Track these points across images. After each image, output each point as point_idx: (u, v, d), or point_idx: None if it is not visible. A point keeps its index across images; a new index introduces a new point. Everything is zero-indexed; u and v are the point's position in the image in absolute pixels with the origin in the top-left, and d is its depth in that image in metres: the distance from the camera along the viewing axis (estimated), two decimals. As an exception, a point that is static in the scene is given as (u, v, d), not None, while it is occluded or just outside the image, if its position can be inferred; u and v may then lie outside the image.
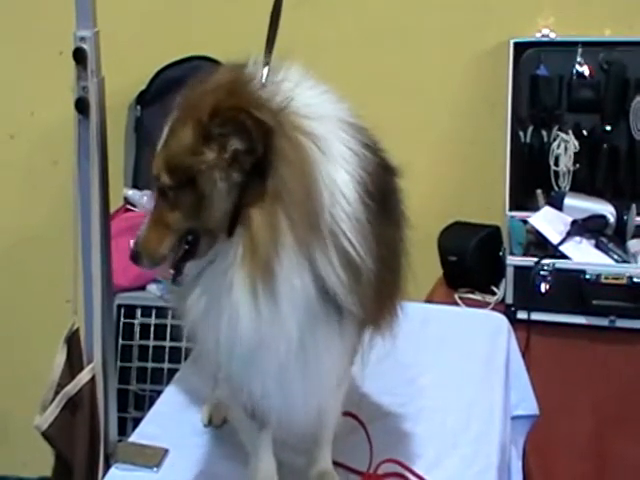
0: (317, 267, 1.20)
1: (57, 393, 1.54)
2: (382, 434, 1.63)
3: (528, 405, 2.06)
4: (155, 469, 1.54)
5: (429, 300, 2.56)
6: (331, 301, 1.23)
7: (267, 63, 1.27)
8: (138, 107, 2.90)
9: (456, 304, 2.50)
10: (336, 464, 1.54)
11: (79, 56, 1.54)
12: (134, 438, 1.63)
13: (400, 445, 1.63)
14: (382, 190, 1.28)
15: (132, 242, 1.26)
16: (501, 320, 2.13)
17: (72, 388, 1.54)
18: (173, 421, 1.70)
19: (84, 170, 1.56)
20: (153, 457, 1.54)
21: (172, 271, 1.26)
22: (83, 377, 1.55)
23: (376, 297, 1.29)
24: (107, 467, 1.56)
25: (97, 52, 1.57)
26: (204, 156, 1.18)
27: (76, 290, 1.59)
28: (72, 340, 1.59)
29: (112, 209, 2.71)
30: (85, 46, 1.54)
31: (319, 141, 1.21)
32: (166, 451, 1.58)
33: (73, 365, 1.57)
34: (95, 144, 1.56)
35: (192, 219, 1.22)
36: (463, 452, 1.62)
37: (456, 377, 1.85)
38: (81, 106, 1.55)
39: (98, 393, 1.55)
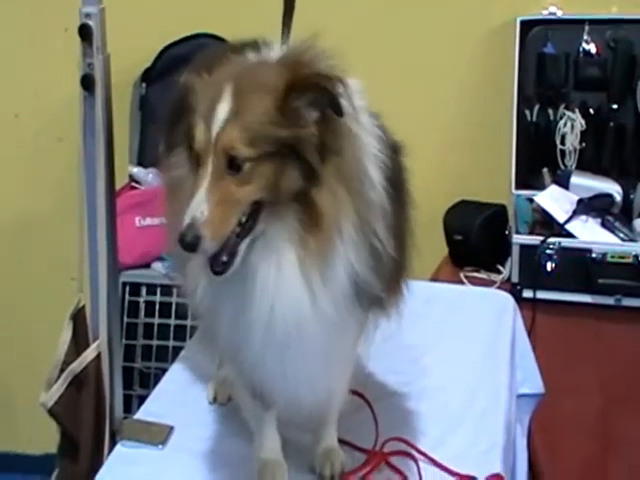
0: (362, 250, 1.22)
1: (62, 370, 1.54)
2: (387, 413, 1.64)
3: (534, 384, 2.06)
4: (160, 446, 1.55)
5: (434, 279, 2.56)
6: (355, 285, 1.24)
7: (284, 43, 1.30)
8: (143, 85, 2.89)
9: (461, 283, 2.50)
10: (342, 442, 1.54)
11: (84, 32, 1.54)
12: (139, 415, 1.64)
13: (405, 423, 1.63)
14: (395, 173, 1.30)
15: (184, 227, 1.13)
16: (507, 299, 2.13)
17: (78, 365, 1.54)
18: (178, 399, 1.70)
19: (89, 147, 1.56)
20: (159, 434, 1.55)
21: (225, 258, 1.18)
22: (89, 354, 1.56)
23: (388, 278, 1.30)
24: (113, 444, 1.57)
25: (102, 29, 1.56)
26: (289, 128, 1.17)
27: (81, 267, 1.59)
28: (78, 317, 1.59)
29: (117, 186, 2.74)
30: (90, 22, 1.54)
31: (360, 126, 1.23)
32: (171, 428, 1.58)
33: (79, 342, 1.58)
34: (101, 121, 1.56)
35: (265, 191, 1.18)
36: (468, 430, 1.63)
37: (461, 356, 1.85)
38: (87, 83, 1.55)
39: (104, 370, 1.56)
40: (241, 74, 1.22)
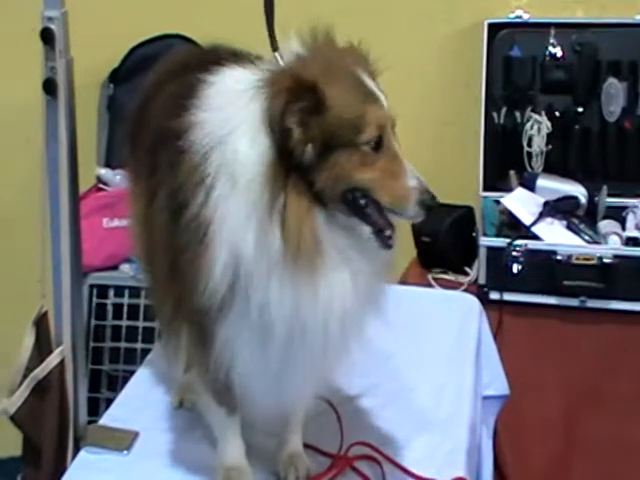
0: None
1: (25, 376, 1.52)
2: (353, 416, 1.64)
3: (499, 385, 2.08)
4: (125, 452, 1.54)
5: (403, 280, 2.57)
6: None
7: (276, 48, 1.31)
8: (111, 85, 2.88)
9: (430, 285, 2.51)
10: (307, 446, 1.55)
11: (47, 36, 1.52)
12: (104, 421, 1.63)
13: (371, 427, 1.64)
14: None
15: (423, 189, 1.24)
16: (473, 301, 2.14)
17: (41, 371, 1.53)
18: (144, 404, 1.70)
19: (52, 152, 1.55)
20: (123, 440, 1.54)
21: (389, 232, 1.27)
22: (52, 360, 1.54)
23: None
24: (76, 450, 1.56)
25: (65, 32, 1.55)
26: None
27: (44, 272, 1.57)
28: (41, 323, 1.58)
29: (84, 188, 2.72)
30: (53, 26, 1.52)
31: None
32: (136, 434, 1.58)
33: (42, 348, 1.56)
34: (64, 125, 1.55)
35: None
36: (433, 433, 1.64)
37: (427, 359, 1.86)
38: (49, 87, 1.53)
39: (67, 376, 1.54)
40: (346, 62, 1.27)
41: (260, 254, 1.21)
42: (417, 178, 1.25)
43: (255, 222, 1.21)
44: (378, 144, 1.25)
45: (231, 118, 1.24)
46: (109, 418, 1.64)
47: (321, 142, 1.21)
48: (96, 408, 2.47)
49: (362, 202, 1.26)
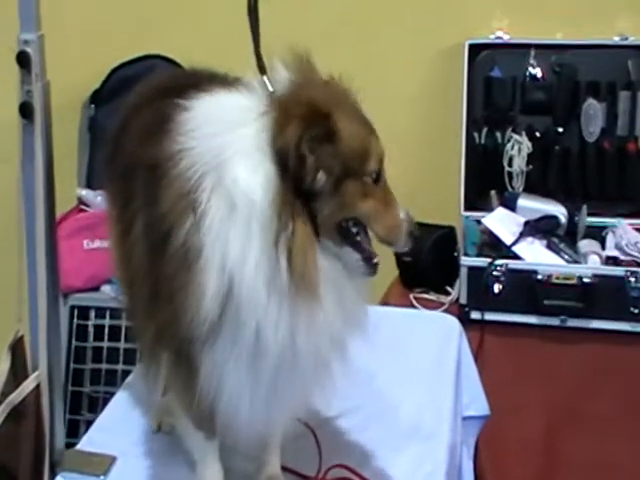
0: None
1: (0, 402, 1.51)
2: (331, 438, 1.64)
3: (479, 406, 2.08)
4: (102, 477, 1.53)
5: (385, 300, 2.57)
6: None
7: (264, 71, 1.29)
8: (92, 106, 2.88)
9: (411, 304, 2.51)
10: (285, 469, 1.54)
11: (23, 60, 1.51)
12: (82, 445, 1.62)
13: (349, 449, 1.64)
14: None
15: (409, 225, 1.31)
16: (453, 322, 2.14)
17: (16, 396, 1.51)
18: (122, 427, 1.69)
19: (28, 176, 1.54)
20: (100, 465, 1.53)
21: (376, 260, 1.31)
22: (28, 385, 1.52)
23: None
24: (53, 476, 1.55)
25: (41, 56, 1.54)
26: None
27: (20, 296, 1.56)
28: (16, 348, 1.56)
29: (66, 209, 2.72)
30: (29, 49, 1.51)
31: None
32: (114, 459, 1.57)
33: (17, 373, 1.55)
34: (40, 149, 1.53)
35: None
36: (412, 454, 1.63)
37: (407, 380, 1.86)
38: (25, 111, 1.52)
39: (43, 401, 1.53)
40: (340, 90, 1.30)
41: (261, 281, 1.20)
42: (405, 210, 1.32)
43: (258, 249, 1.19)
44: (378, 175, 1.28)
45: (227, 145, 1.22)
46: (87, 442, 1.63)
47: (333, 171, 1.22)
48: (76, 430, 2.46)
49: (354, 230, 1.28)
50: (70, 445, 1.66)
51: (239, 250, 1.20)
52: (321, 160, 1.21)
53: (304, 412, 1.49)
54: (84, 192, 2.76)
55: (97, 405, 2.58)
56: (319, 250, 1.24)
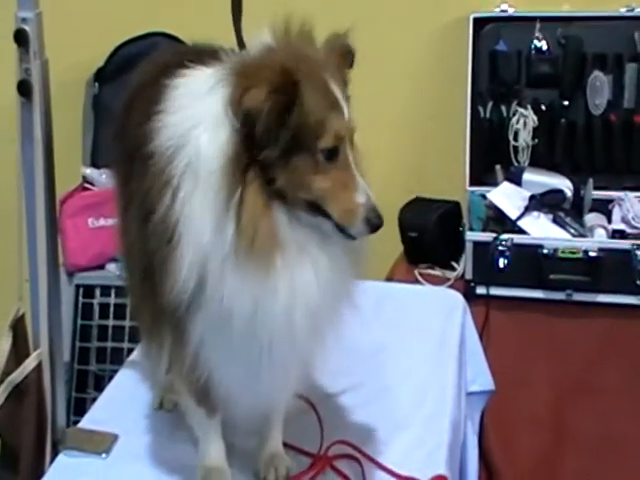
0: None
1: (2, 381, 1.51)
2: (334, 415, 1.64)
3: (483, 381, 2.07)
4: (104, 455, 1.54)
5: (390, 276, 2.57)
6: None
7: (243, 46, 1.30)
8: (96, 84, 2.87)
9: (416, 280, 2.50)
10: (287, 446, 1.54)
11: (20, 38, 1.51)
12: (84, 423, 1.62)
13: (351, 426, 1.64)
14: None
15: (370, 209, 1.23)
16: (456, 297, 2.13)
17: (18, 375, 1.52)
18: (124, 405, 1.69)
19: (28, 155, 1.54)
20: (102, 443, 1.54)
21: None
22: (29, 364, 1.53)
23: None
24: (55, 454, 1.55)
25: (40, 33, 1.53)
26: None
27: (21, 275, 1.57)
28: (18, 326, 1.57)
29: (70, 188, 2.72)
30: (26, 27, 1.51)
31: None
32: (115, 437, 1.57)
33: (19, 352, 1.55)
34: (39, 127, 1.53)
35: None
36: (414, 431, 1.63)
37: (410, 356, 1.86)
38: (23, 89, 1.52)
39: (45, 379, 1.54)
40: (317, 61, 1.26)
41: (216, 249, 1.20)
42: (367, 195, 1.24)
43: (213, 217, 1.19)
44: (333, 154, 1.23)
45: (193, 115, 1.23)
46: (89, 420, 1.64)
47: (285, 141, 1.19)
48: (83, 408, 2.46)
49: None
50: (75, 423, 1.67)
51: (203, 221, 1.20)
52: (277, 128, 1.18)
53: (301, 387, 1.47)
54: (88, 170, 2.75)
55: (103, 383, 2.56)
56: (286, 218, 1.23)
